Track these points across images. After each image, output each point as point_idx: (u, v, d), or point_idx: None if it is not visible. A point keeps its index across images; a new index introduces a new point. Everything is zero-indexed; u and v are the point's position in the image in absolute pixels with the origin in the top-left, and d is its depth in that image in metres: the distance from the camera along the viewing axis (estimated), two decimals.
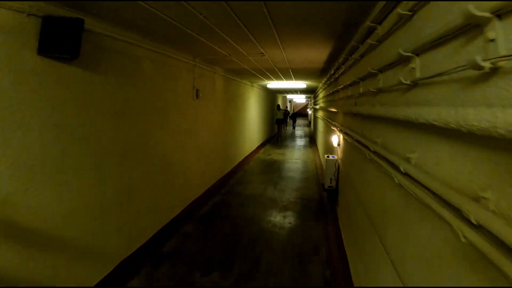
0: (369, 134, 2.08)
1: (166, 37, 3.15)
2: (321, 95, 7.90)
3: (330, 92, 4.67)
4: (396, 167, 1.30)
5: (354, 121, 2.79)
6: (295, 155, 8.85)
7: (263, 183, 5.70)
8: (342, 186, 3.59)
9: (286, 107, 22.19)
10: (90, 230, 2.30)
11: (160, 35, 3.00)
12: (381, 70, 1.70)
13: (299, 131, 17.42)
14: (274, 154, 9.05)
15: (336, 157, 3.88)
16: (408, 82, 1.16)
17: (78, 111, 2.14)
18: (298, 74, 6.20)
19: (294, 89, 11.32)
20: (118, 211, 2.67)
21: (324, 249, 3.20)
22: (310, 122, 21.64)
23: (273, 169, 6.92)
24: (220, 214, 4.16)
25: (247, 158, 8.02)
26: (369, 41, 1.92)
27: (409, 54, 1.14)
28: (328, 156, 4.00)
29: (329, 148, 4.94)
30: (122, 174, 2.73)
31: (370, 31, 1.90)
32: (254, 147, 9.35)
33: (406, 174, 1.16)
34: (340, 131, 3.52)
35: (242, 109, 7.65)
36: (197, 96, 4.29)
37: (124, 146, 2.74)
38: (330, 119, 4.94)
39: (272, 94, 14.50)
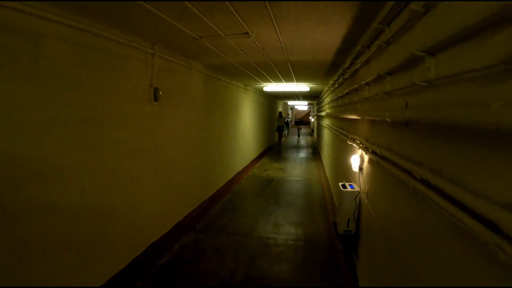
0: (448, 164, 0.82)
1: (98, 11, 1.99)
2: (327, 99, 6.67)
3: (344, 93, 3.43)
4: None
5: (399, 134, 1.55)
6: (296, 171, 7.57)
7: (254, 213, 4.41)
8: (367, 233, 2.33)
9: (288, 115, 21.37)
10: None
11: (85, 5, 1.85)
12: None
13: (302, 141, 16.16)
14: (272, 169, 7.77)
15: (356, 188, 2.61)
16: None
17: None
18: (300, 72, 4.99)
19: (295, 94, 10.12)
20: None
21: None
22: (312, 130, 20.51)
23: (269, 191, 5.63)
24: (185, 270, 2.86)
25: (239, 175, 6.75)
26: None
27: None
28: (344, 186, 2.72)
29: (342, 171, 3.67)
30: None
31: None
32: (249, 161, 8.08)
33: None
34: (365, 148, 2.27)
35: (233, 116, 6.42)
36: (155, 98, 3.06)
37: None
38: (344, 129, 3.68)
39: (272, 100, 13.31)
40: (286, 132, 18.61)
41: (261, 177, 6.81)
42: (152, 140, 3.13)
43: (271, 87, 7.07)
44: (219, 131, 5.47)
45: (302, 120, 20.92)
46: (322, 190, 5.71)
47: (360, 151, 2.56)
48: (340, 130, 3.85)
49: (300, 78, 5.77)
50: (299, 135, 18.58)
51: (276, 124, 13.72)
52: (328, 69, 4.57)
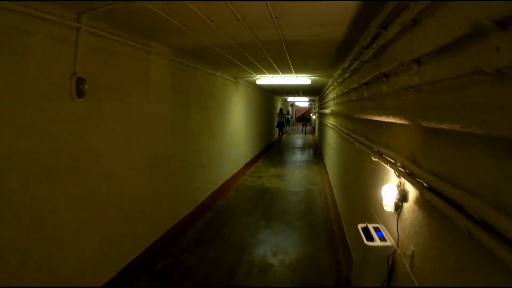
0: None
1: None
2: (332, 94, 5.63)
3: (361, 82, 2.40)
4: None
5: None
6: (296, 178, 6.55)
7: (238, 244, 3.41)
8: None
9: (288, 111, 20.78)
10: None
11: None
12: None
13: (300, 140, 15.13)
14: (267, 176, 6.75)
15: (390, 242, 1.59)
16: None
17: None
18: (299, 59, 3.96)
19: (295, 88, 9.08)
20: None
21: None
22: (314, 128, 19.53)
23: (261, 208, 4.62)
24: None
25: (227, 184, 5.74)
26: None
27: None
28: (366, 233, 1.71)
29: (360, 199, 2.65)
30: None
31: None
32: (241, 166, 7.06)
33: None
34: (410, 176, 1.26)
35: (218, 115, 5.39)
36: (80, 93, 2.04)
37: None
38: (360, 134, 2.65)
39: (269, 96, 12.26)
40: (288, 129, 17.88)
41: (253, 187, 5.80)
42: (77, 153, 2.11)
43: (265, 79, 6.03)
44: (197, 134, 4.45)
45: (305, 117, 20.37)
46: (326, 206, 4.70)
47: (397, 179, 1.54)
48: (354, 135, 2.82)
49: (299, 67, 4.73)
50: (305, 133, 18.24)
51: (277, 120, 13.84)
52: (335, 53, 3.54)
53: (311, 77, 5.77)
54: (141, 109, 2.96)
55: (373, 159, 1.90)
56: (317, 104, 14.49)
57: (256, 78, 6.13)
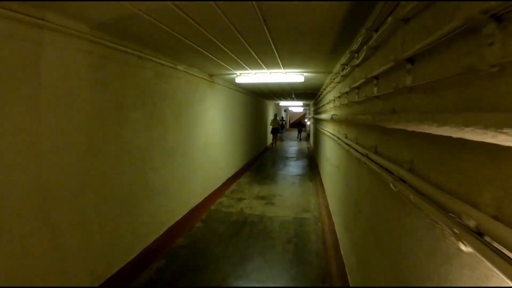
0: None
1: None
2: (330, 95, 4.43)
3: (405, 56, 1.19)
4: None
5: None
6: (286, 201, 5.30)
7: None
8: None
9: (282, 117, 20.42)
10: None
11: None
12: None
13: (294, 148, 13.94)
14: (250, 197, 5.48)
15: None
16: None
17: None
18: (285, 43, 2.75)
19: (286, 90, 7.90)
20: None
21: None
22: (308, 135, 18.50)
23: (231, 254, 3.34)
24: None
25: (195, 212, 4.46)
26: None
27: None
28: None
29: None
30: None
31: None
32: (218, 185, 5.78)
33: None
34: None
35: (181, 123, 4.13)
36: None
37: None
38: (402, 162, 1.39)
39: (259, 100, 11.07)
40: (282, 135, 17.45)
41: (229, 215, 4.52)
42: None
43: (247, 77, 4.83)
44: (141, 152, 3.17)
45: (301, 122, 20.32)
46: (324, 248, 3.44)
47: None
48: (377, 159, 1.59)
49: (288, 58, 3.54)
50: (300, 139, 17.95)
51: (271, 127, 13.89)
52: (339, 34, 2.35)
53: (305, 73, 4.58)
54: (21, 121, 1.70)
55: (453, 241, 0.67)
56: (312, 109, 13.39)
57: (234, 75, 4.92)
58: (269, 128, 14.15)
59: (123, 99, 2.86)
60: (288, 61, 3.79)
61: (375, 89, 1.73)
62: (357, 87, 2.33)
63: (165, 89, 3.65)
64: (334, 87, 4.10)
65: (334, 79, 3.85)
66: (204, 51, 3.25)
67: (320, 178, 6.79)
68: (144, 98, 3.23)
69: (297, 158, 10.47)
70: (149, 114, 3.32)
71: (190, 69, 4.27)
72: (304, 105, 17.14)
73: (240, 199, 5.27)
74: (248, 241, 3.59)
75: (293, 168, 8.54)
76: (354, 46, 2.38)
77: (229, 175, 6.67)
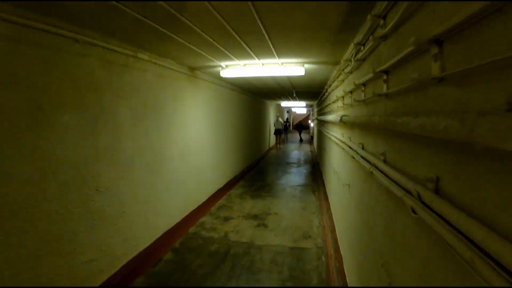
0: None
1: None
2: (341, 89, 3.51)
3: None
4: None
5: None
6: (282, 222, 4.39)
7: None
8: None
9: (287, 119, 20.24)
10: None
11: None
12: None
13: (296, 152, 13.04)
14: (239, 216, 4.59)
15: None
16: None
17: None
18: (278, 22, 1.86)
19: (284, 85, 7.00)
20: None
21: None
22: (312, 137, 17.68)
23: None
24: None
25: (166, 239, 3.58)
26: None
27: None
28: None
29: None
30: None
31: None
32: (201, 201, 4.89)
33: None
34: None
35: (144, 128, 3.24)
36: None
37: None
38: None
39: (258, 100, 10.19)
40: (285, 137, 17.14)
41: (209, 241, 3.63)
42: None
43: (234, 70, 3.96)
44: (84, 166, 2.30)
45: (301, 124, 19.81)
46: None
47: None
48: (439, 205, 0.69)
49: (283, 44, 2.66)
50: (301, 140, 17.92)
51: (274, 128, 14.04)
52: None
53: (306, 64, 3.69)
54: None
55: None
56: (315, 110, 12.51)
57: (219, 68, 4.05)
58: (273, 129, 14.32)
59: (46, 98, 2.02)
60: (282, 48, 2.91)
61: (437, 64, 0.84)
62: (386, 71, 1.44)
63: (119, 84, 2.79)
64: (343, 80, 3.20)
65: (343, 69, 2.96)
66: (174, 36, 2.40)
67: (325, 189, 5.88)
68: (85, 96, 2.38)
69: (299, 164, 9.55)
70: (92, 117, 2.46)
71: (161, 60, 3.42)
72: (307, 106, 16.24)
73: (226, 219, 4.38)
74: (226, 284, 2.69)
75: (294, 177, 7.63)
76: (378, 9, 1.50)
77: (219, 186, 5.79)
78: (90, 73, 2.42)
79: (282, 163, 9.88)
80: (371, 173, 1.57)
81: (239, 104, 7.42)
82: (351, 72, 2.64)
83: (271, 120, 14.74)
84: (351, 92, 2.56)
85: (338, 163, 3.65)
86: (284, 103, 14.11)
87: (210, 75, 4.90)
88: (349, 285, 2.48)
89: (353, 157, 2.21)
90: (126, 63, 2.86)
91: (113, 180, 2.73)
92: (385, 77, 1.48)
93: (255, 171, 8.29)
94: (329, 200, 4.99)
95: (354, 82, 2.21)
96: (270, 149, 13.73)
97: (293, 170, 8.60)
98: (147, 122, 3.26)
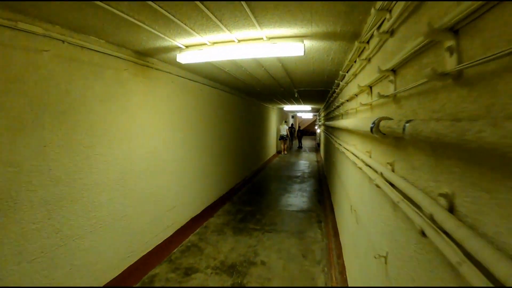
0: None
1: None
2: (355, 85, 2.15)
3: None
4: None
5: None
6: (273, 284, 3.01)
7: None
8: None
9: (292, 125, 19.81)
10: None
11: None
12: None
13: (300, 161, 11.63)
14: (207, 271, 3.22)
15: None
16: None
17: None
18: None
19: (281, 82, 5.65)
20: None
21: None
22: (318, 145, 16.47)
23: None
24: None
25: None
26: None
27: None
28: None
29: None
30: None
31: None
32: (160, 239, 3.52)
33: None
34: None
35: (41, 142, 1.91)
36: None
37: None
38: None
39: (254, 102, 8.86)
40: (290, 143, 16.31)
41: None
42: None
43: (197, 53, 2.67)
44: None
45: (302, 130, 19.52)
46: None
47: None
48: None
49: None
50: (301, 146, 17.65)
51: (279, 134, 13.85)
52: None
53: (306, 38, 2.35)
54: None
55: None
56: (322, 114, 11.16)
57: (176, 49, 2.75)
58: (278, 135, 14.26)
59: None
60: (265, 5, 1.59)
61: None
62: None
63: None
64: (363, 66, 1.85)
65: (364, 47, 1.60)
66: None
67: (334, 217, 4.49)
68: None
69: (303, 180, 8.12)
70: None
71: (74, 36, 2.14)
72: (313, 110, 14.86)
73: (189, 272, 3.00)
74: None
75: (295, 197, 6.22)
76: None
77: (193, 214, 4.44)
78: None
79: (282, 177, 8.48)
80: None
81: (227, 107, 6.10)
82: (377, 51, 1.28)
83: (274, 126, 13.50)
84: (380, 79, 1.20)
85: (356, 193, 2.27)
86: (288, 107, 12.75)
87: (175, 65, 3.60)
88: None
89: (397, 204, 0.85)
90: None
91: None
92: None
93: (248, 188, 6.91)
94: (340, 238, 3.59)
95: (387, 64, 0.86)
96: (274, 155, 13.18)
97: (295, 187, 7.19)
98: (37, 133, 1.95)
